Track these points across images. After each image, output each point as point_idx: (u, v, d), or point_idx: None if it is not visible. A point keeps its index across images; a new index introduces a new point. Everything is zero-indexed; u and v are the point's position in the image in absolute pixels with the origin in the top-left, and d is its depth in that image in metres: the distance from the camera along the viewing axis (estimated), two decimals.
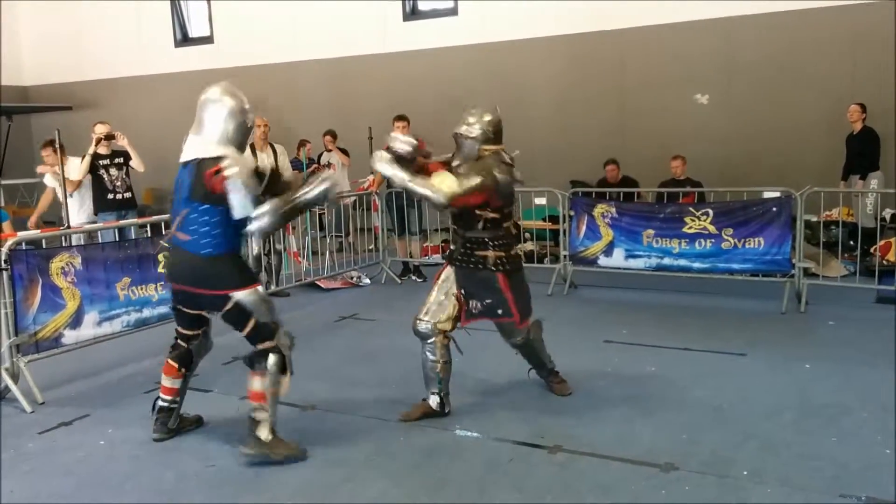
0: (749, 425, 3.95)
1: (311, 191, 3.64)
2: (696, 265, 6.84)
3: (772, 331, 5.79)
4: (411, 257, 8.34)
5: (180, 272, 3.70)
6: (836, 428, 3.89)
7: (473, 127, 4.17)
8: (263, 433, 3.66)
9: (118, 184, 7.48)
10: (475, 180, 3.99)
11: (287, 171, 7.71)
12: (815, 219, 7.40)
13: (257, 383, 3.71)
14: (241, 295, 3.60)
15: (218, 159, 3.52)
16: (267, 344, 3.73)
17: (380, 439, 3.94)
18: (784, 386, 4.54)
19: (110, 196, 7.44)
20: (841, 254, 7.25)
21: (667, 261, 6.97)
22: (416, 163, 4.15)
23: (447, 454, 3.75)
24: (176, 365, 3.94)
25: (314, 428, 4.13)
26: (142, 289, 5.39)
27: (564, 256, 7.49)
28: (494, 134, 4.23)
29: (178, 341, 3.98)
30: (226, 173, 3.47)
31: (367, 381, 4.84)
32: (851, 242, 7.63)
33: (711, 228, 6.74)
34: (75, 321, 4.94)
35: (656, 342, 5.51)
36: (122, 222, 6.77)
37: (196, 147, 3.66)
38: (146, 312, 5.42)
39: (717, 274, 6.84)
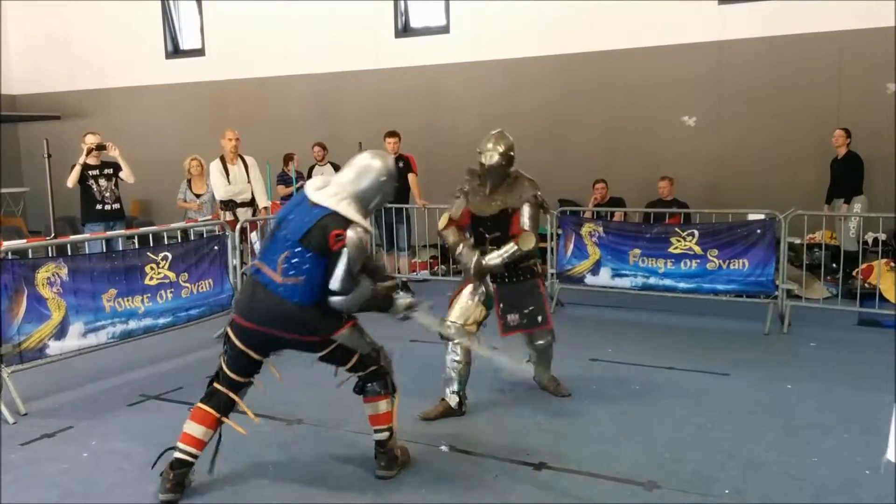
0: (731, 444, 3.99)
1: (398, 301, 3.68)
2: (682, 285, 6.91)
3: (755, 351, 5.85)
4: (399, 273, 8.35)
5: (265, 314, 3.41)
6: (818, 448, 3.93)
7: (493, 154, 4.40)
8: (397, 452, 3.71)
9: (107, 195, 7.46)
10: (535, 212, 4.52)
11: (258, 183, 7.63)
12: (798, 241, 7.49)
13: (384, 405, 3.66)
14: (343, 336, 3.51)
15: (348, 224, 3.39)
16: (372, 369, 3.66)
17: (364, 454, 3.94)
18: (766, 406, 4.58)
19: (99, 207, 7.43)
20: (824, 276, 7.34)
21: (653, 280, 7.03)
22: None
23: (432, 470, 3.76)
24: (215, 413, 3.52)
25: (299, 442, 4.13)
26: (128, 300, 5.38)
27: (552, 274, 7.53)
28: (513, 154, 4.52)
29: (219, 387, 3.56)
30: (346, 241, 3.35)
31: (353, 396, 4.80)
32: (834, 265, 7.72)
33: (697, 249, 6.81)
34: (60, 332, 4.91)
35: (641, 361, 5.55)
36: (110, 233, 6.77)
37: (334, 196, 3.45)
38: (132, 324, 5.41)
39: (702, 294, 6.90)
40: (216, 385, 3.56)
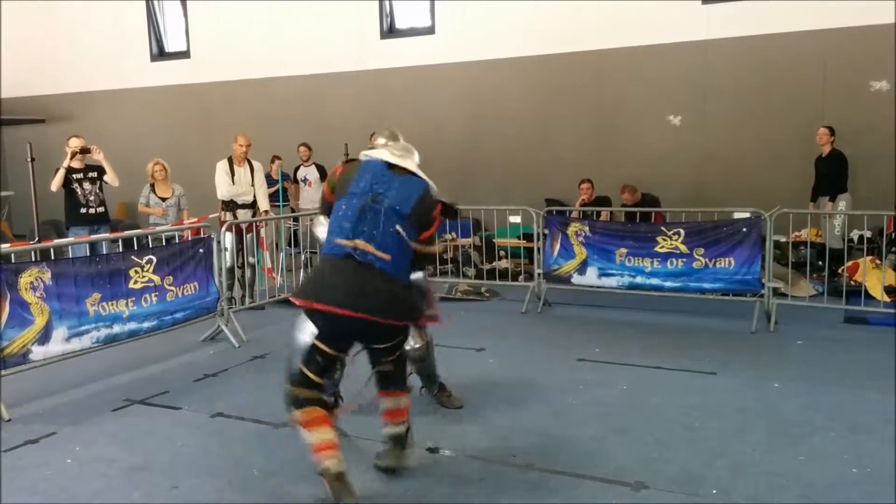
0: (719, 444, 3.99)
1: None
2: (668, 284, 6.92)
3: (742, 350, 5.86)
4: None
5: (371, 299, 3.10)
6: (804, 447, 3.94)
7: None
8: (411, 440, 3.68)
9: (91, 198, 7.41)
10: None
11: (261, 187, 7.79)
12: (784, 239, 7.53)
13: (405, 400, 3.61)
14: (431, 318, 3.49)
15: (436, 202, 3.37)
16: (401, 362, 3.61)
17: (352, 456, 3.91)
18: (753, 404, 4.60)
19: (83, 210, 7.37)
20: (810, 274, 7.38)
21: (639, 279, 7.04)
22: None
23: (419, 472, 3.74)
24: (320, 409, 3.23)
25: (286, 445, 4.09)
26: (112, 305, 5.33)
27: (538, 274, 7.54)
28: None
29: (303, 391, 3.24)
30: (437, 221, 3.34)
31: None
32: (820, 263, 7.77)
33: (683, 248, 6.83)
34: (44, 337, 4.86)
35: (628, 360, 5.56)
36: (94, 237, 6.71)
37: (419, 168, 3.40)
38: (116, 328, 5.36)
39: (689, 293, 6.92)
40: (298, 390, 3.26)
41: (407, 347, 4.39)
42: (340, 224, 3.19)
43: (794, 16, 8.87)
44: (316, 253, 8.84)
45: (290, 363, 3.30)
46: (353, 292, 3.07)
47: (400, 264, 3.17)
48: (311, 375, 3.20)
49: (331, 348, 3.19)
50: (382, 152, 3.42)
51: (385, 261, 3.11)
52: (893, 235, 7.97)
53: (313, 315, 3.15)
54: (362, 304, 3.07)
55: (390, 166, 3.32)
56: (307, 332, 3.21)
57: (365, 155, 3.49)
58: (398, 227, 3.16)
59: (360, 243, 3.12)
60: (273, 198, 8.76)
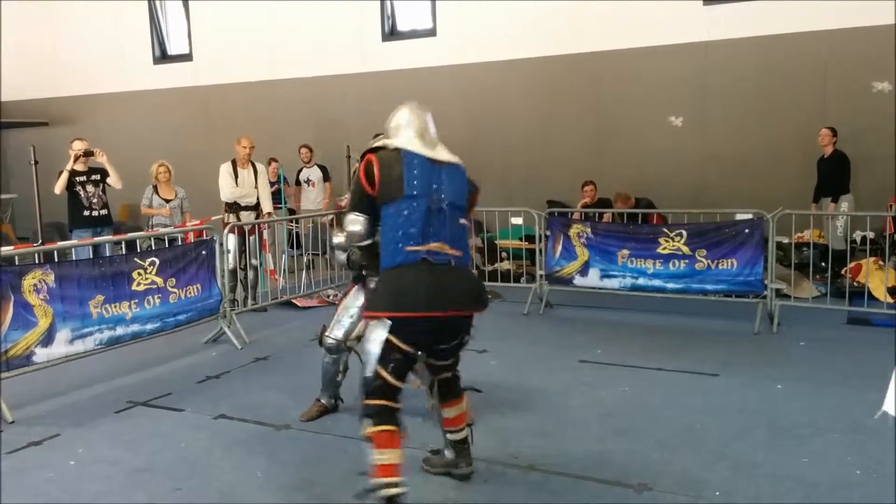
0: (721, 445, 3.99)
1: None
2: (670, 285, 6.92)
3: (744, 351, 5.86)
4: None
5: (456, 296, 3.13)
6: (808, 448, 3.94)
7: None
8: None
9: (94, 200, 7.43)
10: None
11: (264, 189, 7.81)
12: (786, 240, 7.52)
13: (464, 404, 3.55)
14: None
15: (474, 186, 3.42)
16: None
17: (354, 458, 3.92)
18: (756, 406, 4.59)
19: (86, 213, 7.39)
20: (812, 275, 7.37)
21: (641, 281, 7.04)
22: None
23: (421, 473, 3.74)
24: (395, 427, 3.11)
25: (288, 447, 4.10)
26: (115, 307, 5.34)
27: (540, 276, 7.53)
28: None
29: (382, 402, 3.11)
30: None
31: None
32: (822, 264, 7.75)
33: (685, 249, 6.82)
34: (47, 339, 4.87)
35: (630, 362, 5.55)
36: (98, 239, 6.73)
37: (449, 154, 3.36)
38: (119, 330, 5.37)
39: (691, 294, 6.92)
40: (377, 402, 3.11)
41: None
42: (406, 229, 3.10)
43: (795, 16, 8.86)
44: (318, 254, 8.90)
45: (364, 374, 3.18)
46: (438, 294, 3.07)
47: (467, 254, 3.26)
48: (389, 378, 3.11)
49: (411, 348, 3.12)
50: (414, 143, 3.29)
51: (459, 256, 3.18)
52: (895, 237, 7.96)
53: (397, 323, 3.06)
54: (450, 303, 3.10)
55: (429, 159, 3.26)
56: (377, 340, 3.11)
57: (396, 145, 3.30)
58: (461, 220, 3.25)
59: (434, 246, 3.11)
60: (273, 200, 8.77)
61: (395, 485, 3.03)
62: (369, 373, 3.13)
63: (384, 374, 3.10)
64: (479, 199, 3.52)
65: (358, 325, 4.36)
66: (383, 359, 3.09)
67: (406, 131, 3.34)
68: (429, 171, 3.20)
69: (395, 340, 3.08)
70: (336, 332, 4.39)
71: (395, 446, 3.07)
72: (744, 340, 6.19)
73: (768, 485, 3.53)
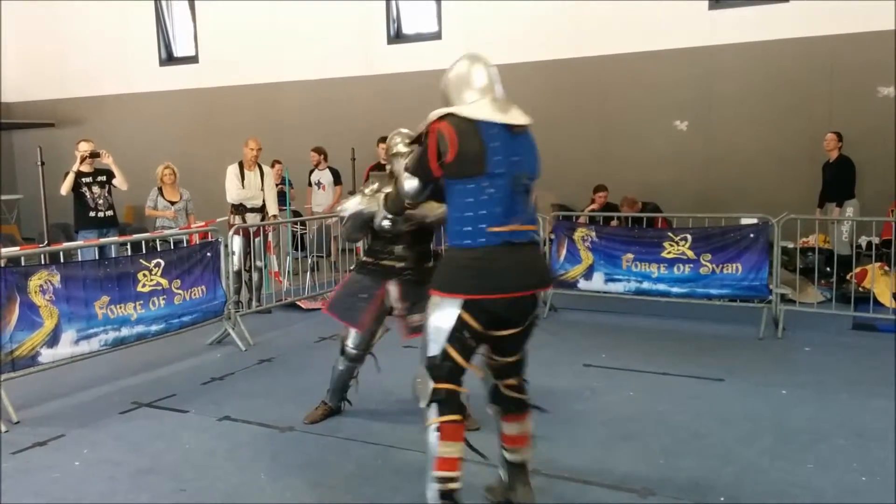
0: (726, 451, 3.98)
1: None
2: (675, 290, 6.90)
3: (749, 356, 5.84)
4: None
5: (535, 273, 2.99)
6: (813, 454, 3.92)
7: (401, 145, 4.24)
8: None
9: (100, 202, 7.45)
10: None
11: (271, 191, 7.82)
12: (791, 245, 7.50)
13: (530, 422, 3.21)
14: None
15: None
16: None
17: (358, 461, 3.93)
18: (761, 412, 4.58)
19: (92, 214, 7.41)
20: (817, 280, 7.35)
21: (646, 285, 7.03)
22: None
23: (423, 477, 3.73)
24: (461, 417, 2.94)
25: (292, 449, 4.10)
26: (121, 307, 5.35)
27: None
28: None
29: (451, 386, 2.93)
30: None
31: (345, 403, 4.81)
32: (828, 269, 7.74)
33: (690, 254, 6.81)
34: (52, 339, 4.88)
35: (635, 366, 5.54)
36: (103, 240, 6.75)
37: (522, 113, 3.06)
38: (124, 331, 5.38)
39: (696, 299, 6.90)
40: (446, 386, 2.92)
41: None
42: (490, 209, 2.86)
43: (801, 21, 8.86)
44: (323, 256, 8.90)
45: (426, 352, 2.96)
46: (520, 275, 2.90)
47: (535, 230, 3.05)
48: (458, 358, 2.90)
49: (482, 328, 2.91)
50: (488, 109, 2.95)
51: (534, 231, 3.02)
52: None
53: (474, 305, 2.86)
54: (531, 281, 2.96)
55: (507, 126, 2.94)
56: (448, 317, 2.89)
57: (468, 115, 2.93)
58: (535, 194, 3.06)
59: (515, 226, 2.91)
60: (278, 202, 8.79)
61: (455, 479, 2.91)
62: (435, 352, 2.91)
63: (453, 353, 2.89)
64: None
65: (378, 332, 4.39)
66: (453, 337, 2.88)
67: (475, 94, 3.00)
68: (509, 143, 2.92)
69: (467, 317, 2.86)
70: (354, 341, 4.35)
71: (459, 439, 2.93)
72: (748, 345, 6.18)
73: (773, 491, 3.52)
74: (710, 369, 5.43)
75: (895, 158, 8.37)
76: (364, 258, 4.38)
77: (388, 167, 4.33)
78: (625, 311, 7.30)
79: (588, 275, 7.26)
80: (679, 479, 3.66)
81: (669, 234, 7.01)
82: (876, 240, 7.46)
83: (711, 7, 9.34)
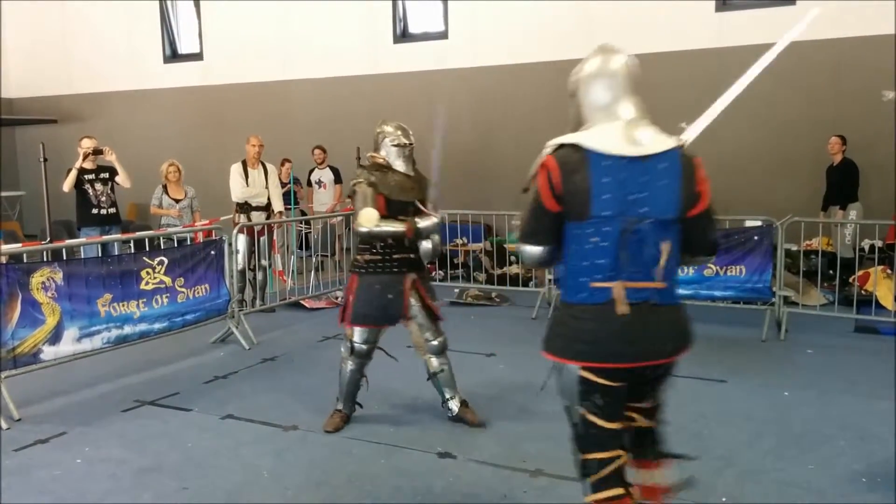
0: (729, 452, 3.98)
1: None
2: (680, 291, 6.87)
3: (752, 358, 5.84)
4: None
5: (655, 340, 2.41)
6: (815, 455, 3.92)
7: (411, 136, 4.39)
8: None
9: (103, 199, 7.45)
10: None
11: (275, 189, 7.83)
12: (795, 248, 7.49)
13: (666, 474, 2.66)
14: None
15: (697, 165, 2.48)
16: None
17: (361, 461, 3.93)
18: (763, 413, 4.57)
19: (94, 211, 7.41)
20: (820, 283, 7.33)
21: None
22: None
23: (428, 477, 3.74)
24: (624, 490, 2.48)
25: (295, 449, 4.11)
26: (123, 305, 5.36)
27: (549, 280, 7.52)
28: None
29: (603, 455, 2.47)
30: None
31: None
32: (831, 272, 7.73)
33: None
34: (54, 337, 4.89)
35: None
36: (106, 238, 6.74)
37: (661, 136, 2.42)
38: (127, 329, 5.38)
39: (699, 300, 6.89)
40: (597, 456, 2.47)
41: (436, 342, 4.40)
42: (593, 260, 2.36)
43: (810, 23, 8.84)
44: (327, 255, 8.91)
45: (571, 423, 2.54)
46: (629, 343, 2.37)
47: (675, 284, 2.46)
48: (598, 420, 2.43)
49: (612, 382, 2.42)
50: (605, 135, 2.37)
51: (662, 290, 2.39)
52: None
53: (590, 373, 2.40)
54: (644, 352, 2.40)
55: (633, 158, 2.35)
56: (570, 380, 2.47)
57: (577, 141, 2.39)
58: (668, 241, 2.37)
59: (629, 283, 2.35)
60: (283, 201, 8.78)
61: None
62: (576, 419, 2.49)
63: (590, 416, 2.43)
64: (707, 185, 2.52)
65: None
66: (584, 399, 2.44)
67: (599, 114, 2.46)
68: (625, 177, 2.32)
69: (590, 375, 2.41)
70: (360, 336, 4.31)
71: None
72: (751, 347, 6.17)
73: (775, 491, 3.52)
74: (713, 370, 5.43)
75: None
76: (369, 256, 4.24)
77: (378, 158, 4.36)
78: None
79: None
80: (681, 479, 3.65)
81: None
82: (879, 243, 7.44)
83: (718, 9, 9.33)
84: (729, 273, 6.68)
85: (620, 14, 9.69)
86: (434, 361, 4.41)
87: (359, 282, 4.24)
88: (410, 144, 4.33)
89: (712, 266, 6.71)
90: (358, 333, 4.29)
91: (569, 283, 2.43)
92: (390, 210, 4.16)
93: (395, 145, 4.32)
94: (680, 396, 4.86)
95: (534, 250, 2.49)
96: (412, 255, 4.26)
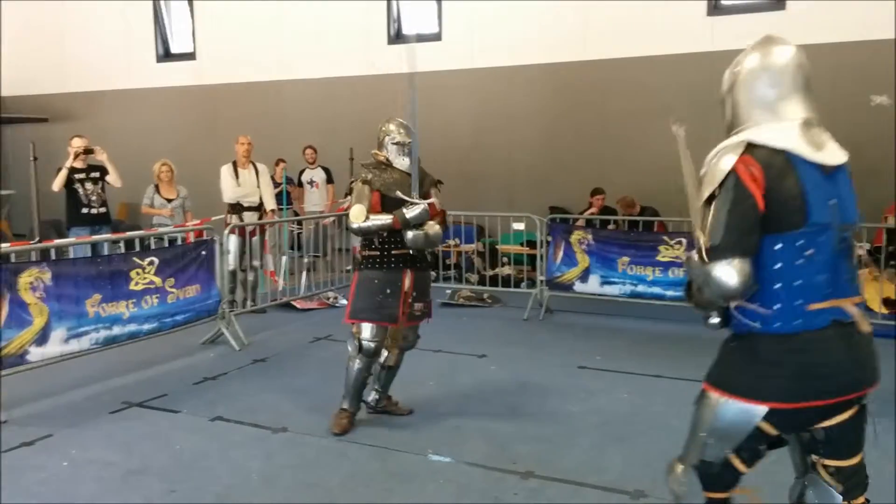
0: None
1: None
2: (670, 293, 6.89)
3: None
4: None
5: (865, 366, 2.17)
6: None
7: (410, 132, 4.40)
8: None
9: (93, 198, 7.39)
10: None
11: (266, 188, 7.77)
12: None
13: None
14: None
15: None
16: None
17: (353, 463, 3.90)
18: None
19: (84, 210, 7.35)
20: None
21: (641, 288, 7.02)
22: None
23: (420, 479, 3.72)
24: None
25: (285, 450, 4.07)
26: (112, 306, 5.31)
27: (541, 281, 7.51)
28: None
29: (721, 495, 2.37)
30: None
31: (340, 403, 4.77)
32: None
33: (685, 257, 6.79)
34: (42, 338, 4.83)
35: (630, 369, 5.53)
36: (95, 237, 6.69)
37: (834, 143, 2.25)
38: (116, 330, 5.33)
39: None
40: (720, 496, 2.36)
41: (382, 358, 4.39)
42: (809, 278, 2.08)
43: (798, 28, 8.85)
44: (319, 256, 8.85)
45: (697, 450, 2.34)
46: (850, 371, 2.13)
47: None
48: (741, 467, 2.28)
49: (784, 433, 2.27)
50: (801, 137, 2.14)
51: (862, 304, 2.18)
52: (891, 248, 7.94)
53: (783, 414, 2.16)
54: (863, 376, 2.16)
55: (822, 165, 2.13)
56: (741, 428, 2.22)
57: (780, 145, 2.12)
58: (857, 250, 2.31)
59: (842, 301, 2.12)
60: (276, 201, 8.74)
61: None
62: (713, 458, 2.28)
63: (738, 463, 2.27)
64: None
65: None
66: (743, 448, 2.23)
67: (760, 113, 2.23)
68: (824, 184, 2.12)
69: (768, 428, 2.19)
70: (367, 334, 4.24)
71: None
72: None
73: (765, 490, 3.50)
74: (703, 372, 5.37)
75: (894, 167, 8.37)
76: (368, 252, 4.26)
77: (380, 156, 4.35)
78: (620, 314, 7.28)
79: (584, 277, 7.25)
80: None
81: (665, 237, 7.01)
82: (867, 245, 7.46)
83: (710, 13, 9.34)
84: None
85: (614, 17, 9.70)
86: (395, 357, 4.45)
87: (359, 277, 4.28)
88: (410, 142, 4.31)
89: None
90: (367, 330, 4.22)
91: (775, 310, 2.09)
92: (387, 207, 4.16)
93: (394, 143, 4.34)
94: (671, 397, 4.88)
95: (737, 271, 2.04)
96: (412, 252, 4.23)
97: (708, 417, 2.28)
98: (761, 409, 2.14)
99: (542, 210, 8.78)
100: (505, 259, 8.91)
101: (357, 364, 4.26)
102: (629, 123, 9.82)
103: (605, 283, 7.17)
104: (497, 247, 9.01)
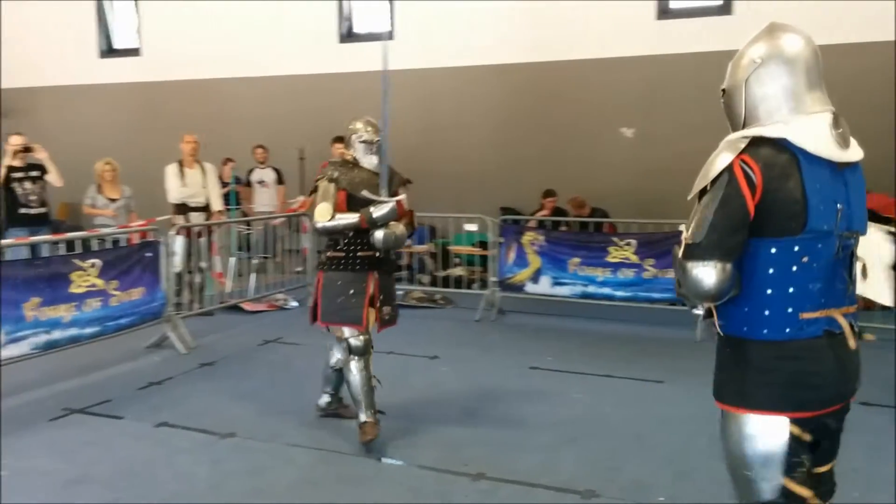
0: (667, 452, 4.05)
1: None
2: (619, 293, 7.01)
3: (688, 359, 5.93)
4: None
5: (853, 374, 2.10)
6: None
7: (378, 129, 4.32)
8: None
9: (32, 198, 7.16)
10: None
11: (214, 188, 7.66)
12: None
13: None
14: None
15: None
16: None
17: (302, 468, 3.86)
18: (699, 413, 4.62)
19: (23, 210, 7.11)
20: None
21: (591, 289, 7.12)
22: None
23: (371, 483, 3.70)
24: None
25: (233, 456, 4.00)
26: (52, 309, 5.14)
27: (493, 282, 7.55)
28: None
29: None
30: None
31: (290, 407, 4.72)
32: None
33: (634, 258, 6.93)
34: None
35: (580, 369, 5.60)
36: (34, 238, 6.48)
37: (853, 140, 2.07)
38: (56, 334, 5.17)
39: (638, 302, 7.02)
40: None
41: (333, 360, 4.34)
42: (804, 285, 1.99)
43: (743, 33, 9.09)
44: (268, 257, 8.74)
45: (750, 496, 2.16)
46: (841, 380, 2.07)
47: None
48: (802, 490, 2.06)
49: (812, 436, 2.09)
50: (810, 132, 1.98)
51: (854, 314, 2.10)
52: None
53: (798, 427, 2.04)
54: (847, 392, 2.10)
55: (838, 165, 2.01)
56: (774, 442, 2.04)
57: (786, 135, 1.98)
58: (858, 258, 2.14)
59: (835, 310, 2.04)
60: (224, 201, 8.59)
61: None
62: (770, 495, 2.08)
63: (796, 487, 2.05)
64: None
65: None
66: (792, 467, 2.04)
67: (784, 108, 2.03)
68: (833, 184, 2.00)
69: (799, 432, 2.04)
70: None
71: None
72: (688, 348, 6.29)
73: (710, 490, 3.58)
74: (652, 372, 5.53)
75: (894, 168, 8.56)
76: (333, 253, 4.19)
77: (347, 155, 4.30)
78: (570, 315, 7.37)
79: (535, 278, 7.32)
80: (622, 480, 3.71)
81: (614, 238, 7.13)
82: None
83: (659, 17, 9.52)
84: (667, 275, 6.81)
85: (564, 20, 9.80)
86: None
87: (324, 279, 4.21)
88: (378, 141, 4.25)
89: (651, 269, 6.85)
90: (348, 330, 4.14)
91: (765, 317, 2.00)
92: (353, 206, 4.09)
93: (362, 141, 4.28)
94: (620, 397, 4.97)
95: (716, 272, 1.95)
96: (377, 254, 4.18)
97: (735, 442, 2.13)
98: (784, 419, 2.02)
99: (493, 211, 8.83)
100: (457, 260, 8.94)
101: (354, 367, 4.13)
102: (580, 125, 9.95)
103: (556, 283, 7.25)
104: (449, 248, 9.03)
